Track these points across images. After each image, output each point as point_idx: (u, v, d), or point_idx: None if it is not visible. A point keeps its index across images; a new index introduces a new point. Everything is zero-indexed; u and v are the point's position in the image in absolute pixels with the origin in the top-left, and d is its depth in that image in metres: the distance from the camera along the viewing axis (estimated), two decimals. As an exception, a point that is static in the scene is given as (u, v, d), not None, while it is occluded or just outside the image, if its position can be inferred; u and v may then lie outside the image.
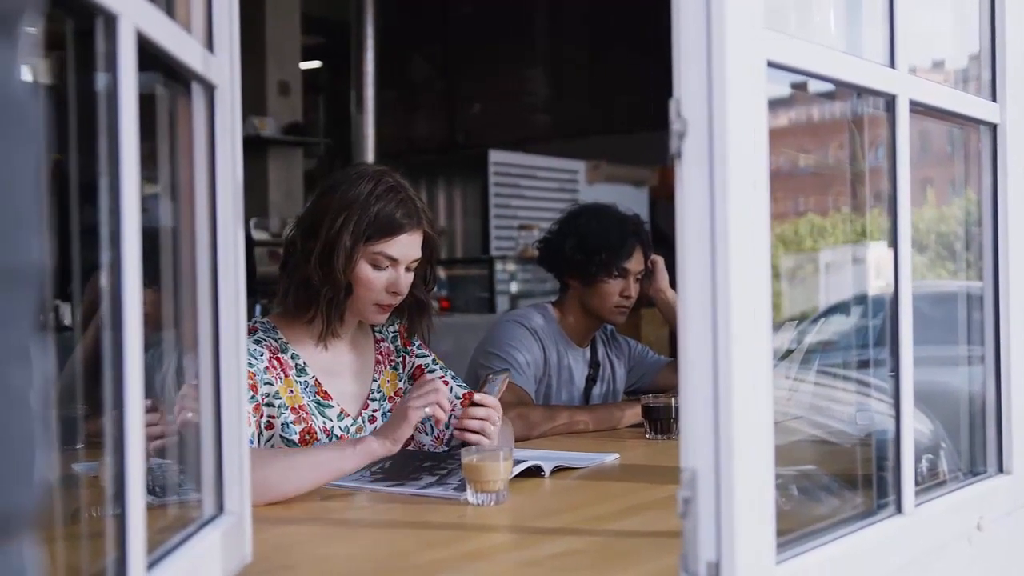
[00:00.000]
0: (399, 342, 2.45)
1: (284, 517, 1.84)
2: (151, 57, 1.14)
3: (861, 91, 1.57)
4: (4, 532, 0.55)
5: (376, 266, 2.22)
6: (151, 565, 1.12)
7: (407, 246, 2.24)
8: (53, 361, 0.66)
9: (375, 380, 2.37)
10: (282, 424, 2.17)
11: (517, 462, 2.05)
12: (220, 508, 1.39)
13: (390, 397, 2.38)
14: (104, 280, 1.04)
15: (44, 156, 0.59)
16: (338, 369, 2.32)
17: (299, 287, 2.23)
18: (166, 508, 1.45)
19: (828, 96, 1.74)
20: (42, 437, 0.58)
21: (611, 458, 2.37)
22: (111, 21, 1.01)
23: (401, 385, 2.41)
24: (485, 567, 1.55)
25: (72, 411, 1.44)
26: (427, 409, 2.00)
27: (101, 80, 1.04)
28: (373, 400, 2.36)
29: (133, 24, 1.04)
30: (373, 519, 1.82)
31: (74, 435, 1.40)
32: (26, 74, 0.58)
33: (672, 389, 2.99)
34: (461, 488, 1.92)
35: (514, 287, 7.60)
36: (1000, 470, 1.83)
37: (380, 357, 2.41)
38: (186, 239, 1.38)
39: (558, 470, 2.19)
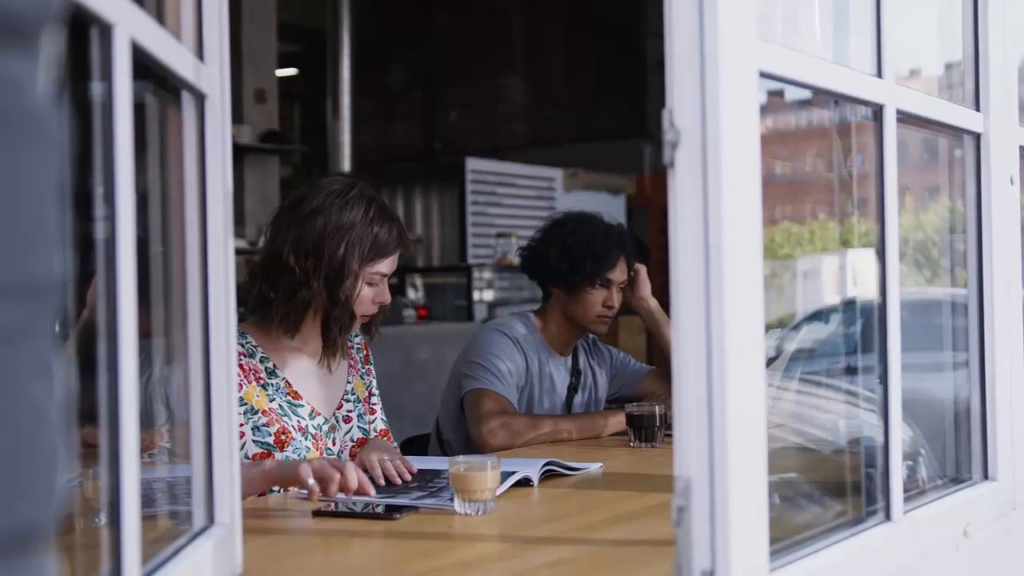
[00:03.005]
0: (361, 355, 2.54)
1: (274, 528, 1.84)
2: (142, 66, 1.13)
3: (849, 101, 1.58)
4: (27, 546, 0.55)
5: (370, 284, 2.32)
6: (145, 577, 1.11)
7: (395, 261, 2.37)
8: (72, 374, 0.65)
9: (349, 382, 2.46)
10: (254, 428, 2.23)
11: (505, 473, 2.05)
12: (211, 519, 1.38)
13: (363, 400, 2.48)
14: (97, 290, 1.04)
15: (65, 168, 0.59)
16: (311, 371, 2.38)
17: (301, 308, 2.29)
18: (155, 519, 1.44)
19: (804, 104, 1.75)
20: (62, 451, 0.58)
21: (595, 467, 2.37)
22: (106, 30, 1.01)
23: (367, 392, 2.51)
24: (477, 577, 1.55)
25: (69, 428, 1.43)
26: (311, 481, 1.91)
27: (95, 89, 1.04)
28: (348, 400, 2.44)
29: (128, 33, 1.04)
30: (362, 530, 1.81)
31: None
32: (47, 85, 0.57)
33: (654, 397, 3.00)
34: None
35: (491, 295, 7.59)
36: (985, 477, 1.84)
37: (352, 361, 2.49)
38: (176, 249, 1.37)
39: (546, 477, 2.19)
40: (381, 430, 2.50)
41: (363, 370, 2.52)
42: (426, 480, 2.16)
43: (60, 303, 0.59)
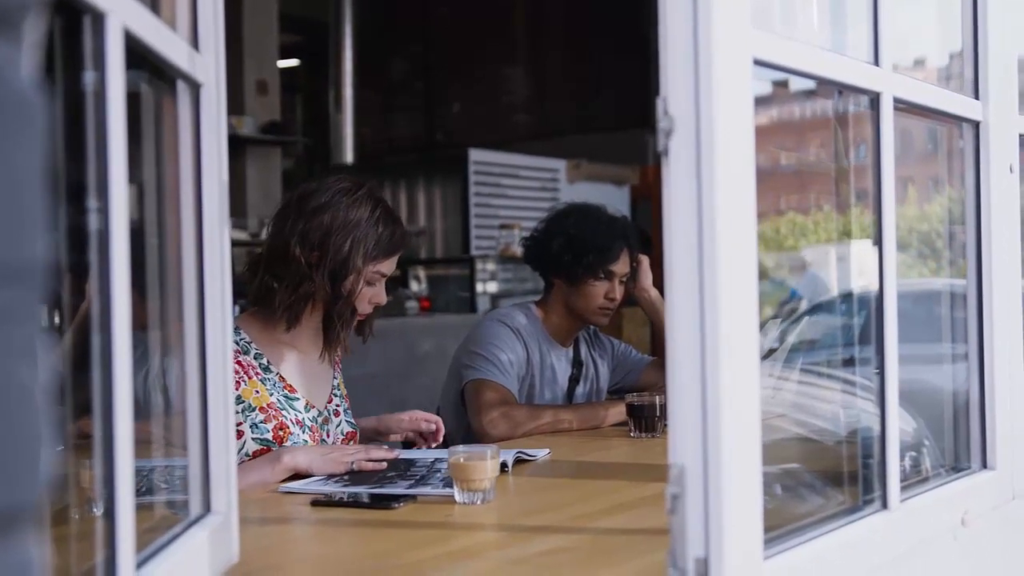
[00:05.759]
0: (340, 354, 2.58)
1: (270, 517, 1.84)
2: (136, 55, 1.13)
3: (846, 88, 1.58)
4: (10, 528, 0.55)
5: (369, 283, 2.35)
6: (139, 564, 1.11)
7: (395, 263, 2.41)
8: (57, 359, 0.66)
9: (335, 378, 2.50)
10: (251, 425, 2.26)
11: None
12: (207, 507, 1.39)
13: (345, 396, 2.53)
14: (91, 281, 1.04)
15: (48, 154, 0.59)
16: (302, 367, 2.41)
17: (303, 300, 2.31)
18: (152, 507, 1.44)
19: (809, 94, 1.75)
20: (48, 434, 0.58)
21: (543, 453, 2.41)
22: (99, 19, 1.01)
23: (346, 390, 2.55)
24: (473, 565, 1.55)
25: (55, 412, 1.44)
26: (354, 466, 2.17)
27: (88, 78, 1.04)
28: (336, 395, 2.49)
29: (121, 22, 1.04)
30: (360, 519, 1.82)
31: (57, 436, 1.39)
32: (29, 72, 0.57)
33: (655, 387, 3.00)
34: (447, 485, 1.92)
35: (495, 287, 7.58)
36: (984, 466, 1.84)
37: (337, 359, 2.53)
38: (171, 240, 1.37)
39: (518, 462, 2.25)
40: (348, 432, 2.51)
41: (341, 368, 2.57)
42: (404, 469, 2.17)
43: (45, 288, 0.59)
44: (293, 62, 10.29)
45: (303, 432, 2.32)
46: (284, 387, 2.34)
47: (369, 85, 9.38)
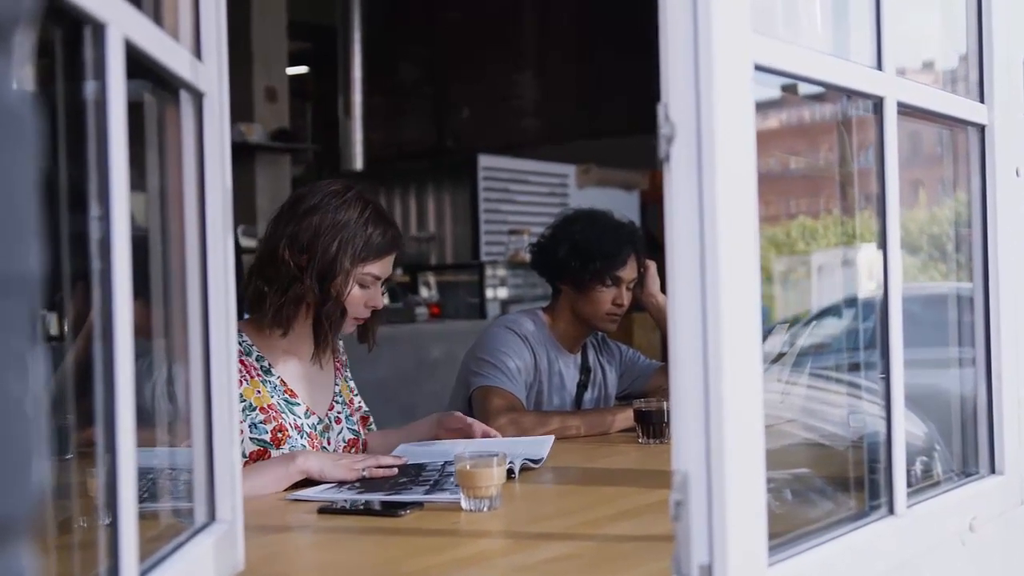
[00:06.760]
0: (344, 359, 2.59)
1: (276, 525, 1.84)
2: (139, 65, 1.14)
3: (849, 93, 1.58)
4: (2, 538, 0.55)
5: (362, 285, 2.35)
6: (144, 573, 1.11)
7: (390, 265, 2.40)
8: (48, 369, 0.66)
9: (336, 384, 2.50)
10: (251, 425, 2.26)
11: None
12: (212, 516, 1.39)
13: (348, 402, 2.52)
14: (94, 290, 1.04)
15: (39, 165, 0.59)
16: (303, 373, 2.41)
17: (293, 303, 2.31)
18: (157, 516, 1.45)
19: (818, 98, 1.74)
20: (39, 445, 0.58)
21: (547, 443, 2.43)
22: (99, 29, 1.01)
23: (351, 395, 2.55)
24: (479, 573, 1.55)
25: (62, 421, 1.44)
26: (365, 472, 2.15)
27: (89, 88, 1.04)
28: (337, 402, 2.49)
29: (121, 32, 1.04)
30: (366, 527, 1.81)
31: (65, 445, 1.40)
32: (21, 83, 0.58)
33: (664, 393, 2.99)
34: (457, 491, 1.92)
35: (504, 292, 7.58)
36: (992, 471, 1.83)
37: (339, 365, 2.54)
38: (175, 248, 1.38)
39: (524, 469, 2.24)
40: (349, 439, 2.50)
41: (346, 374, 2.57)
42: (415, 475, 2.17)
43: (39, 298, 0.59)
44: (302, 69, 10.29)
45: (301, 437, 2.32)
46: (285, 391, 2.34)
47: (378, 91, 9.39)
